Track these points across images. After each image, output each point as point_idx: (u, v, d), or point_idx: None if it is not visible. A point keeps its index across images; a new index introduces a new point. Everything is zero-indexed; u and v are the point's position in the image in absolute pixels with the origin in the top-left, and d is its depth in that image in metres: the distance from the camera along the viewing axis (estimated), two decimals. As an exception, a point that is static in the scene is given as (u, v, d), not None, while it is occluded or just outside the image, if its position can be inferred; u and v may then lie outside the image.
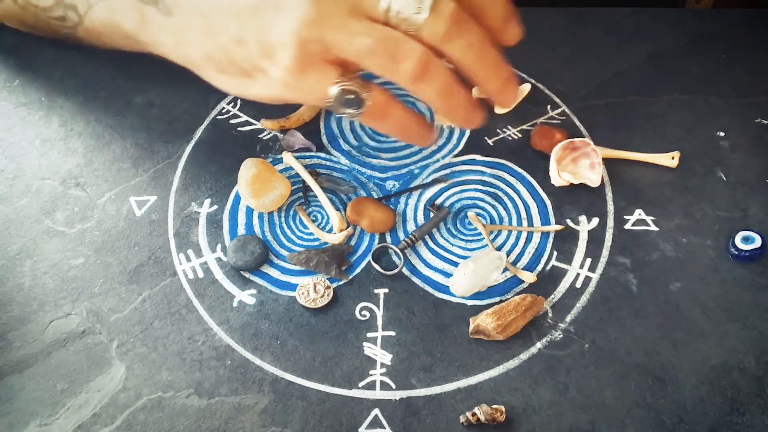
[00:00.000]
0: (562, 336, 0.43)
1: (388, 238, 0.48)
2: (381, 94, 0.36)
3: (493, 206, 0.50)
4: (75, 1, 0.48)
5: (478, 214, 0.49)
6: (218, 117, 0.55)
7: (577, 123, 0.55)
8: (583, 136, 0.54)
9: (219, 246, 0.48)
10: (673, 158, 0.52)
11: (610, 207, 0.50)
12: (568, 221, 0.49)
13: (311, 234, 0.48)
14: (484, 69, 0.35)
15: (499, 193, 0.51)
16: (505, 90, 0.37)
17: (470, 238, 0.48)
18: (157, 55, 0.45)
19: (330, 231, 0.48)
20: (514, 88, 0.37)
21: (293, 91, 0.36)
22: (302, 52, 0.34)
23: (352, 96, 0.35)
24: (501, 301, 0.45)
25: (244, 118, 0.55)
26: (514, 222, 0.49)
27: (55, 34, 0.54)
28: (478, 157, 0.53)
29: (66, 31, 0.52)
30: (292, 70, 0.35)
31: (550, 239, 0.48)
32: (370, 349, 0.43)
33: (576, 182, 0.50)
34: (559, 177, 0.50)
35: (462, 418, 0.39)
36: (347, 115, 0.36)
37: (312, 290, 0.45)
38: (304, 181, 0.51)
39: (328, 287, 0.45)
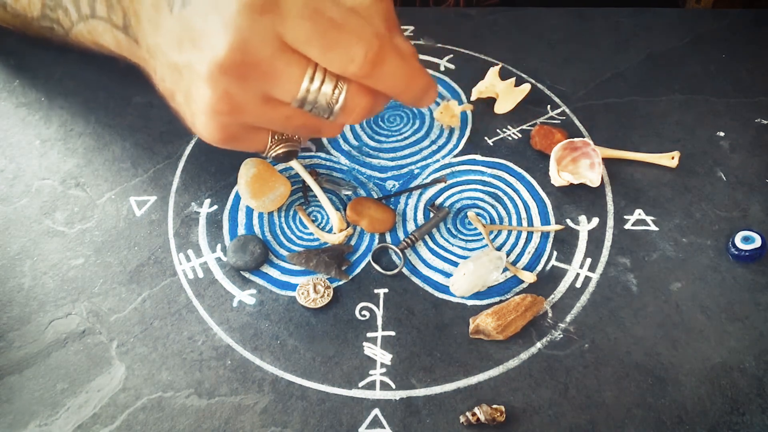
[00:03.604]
0: (562, 336, 0.43)
1: (388, 238, 0.48)
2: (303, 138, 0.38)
3: (493, 206, 0.50)
4: (59, 17, 0.48)
5: (478, 214, 0.49)
6: (218, 117, 0.55)
7: (577, 123, 0.55)
8: (583, 136, 0.54)
9: (219, 246, 0.48)
10: (673, 158, 0.52)
11: (610, 207, 0.50)
12: (568, 221, 0.49)
13: (311, 234, 0.48)
14: (404, 98, 0.36)
15: (499, 193, 0.51)
16: (423, 99, 0.36)
17: (470, 238, 0.48)
18: None
19: (330, 231, 0.48)
20: (433, 95, 0.36)
21: (230, 148, 0.36)
22: (224, 132, 0.34)
23: (288, 154, 0.37)
24: (501, 301, 0.45)
25: (244, 118, 0.55)
26: (514, 222, 0.49)
27: (47, 39, 0.54)
28: (478, 157, 0.53)
29: (56, 39, 0.52)
30: (217, 142, 0.34)
31: (550, 239, 0.48)
32: (370, 349, 0.43)
33: (576, 182, 0.50)
34: (559, 177, 0.50)
35: (462, 418, 0.39)
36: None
37: (312, 290, 0.45)
38: (304, 181, 0.51)
39: (328, 287, 0.45)
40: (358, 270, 0.47)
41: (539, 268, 0.47)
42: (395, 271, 0.46)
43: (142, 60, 0.39)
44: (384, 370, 0.42)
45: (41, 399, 0.41)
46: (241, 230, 0.49)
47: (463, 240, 0.48)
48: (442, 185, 0.51)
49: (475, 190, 0.51)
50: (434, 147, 0.54)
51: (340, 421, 0.40)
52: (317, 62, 0.31)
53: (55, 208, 0.50)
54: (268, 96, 0.32)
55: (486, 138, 0.54)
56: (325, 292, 0.45)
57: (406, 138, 0.54)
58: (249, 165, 0.49)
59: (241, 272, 0.46)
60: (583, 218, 0.49)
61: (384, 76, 0.31)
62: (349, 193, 0.50)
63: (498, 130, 0.55)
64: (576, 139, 0.51)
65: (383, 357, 0.42)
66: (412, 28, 0.62)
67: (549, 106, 0.56)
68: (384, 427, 0.40)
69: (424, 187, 0.51)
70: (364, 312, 0.45)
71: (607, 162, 0.52)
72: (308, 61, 0.31)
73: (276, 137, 0.36)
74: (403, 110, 0.56)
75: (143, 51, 0.38)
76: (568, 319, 0.44)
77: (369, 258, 0.47)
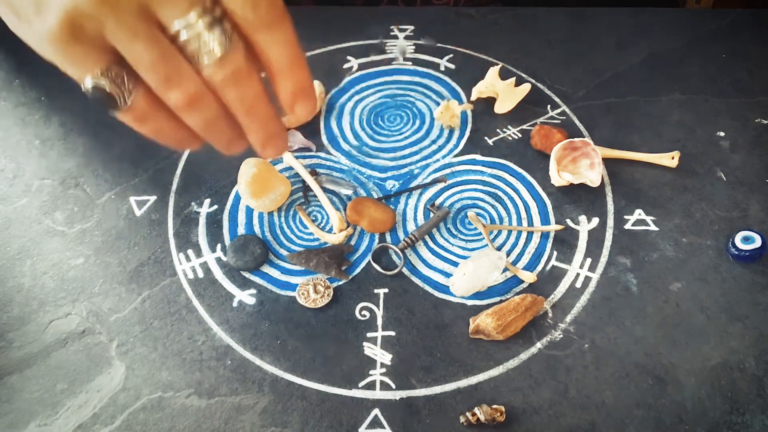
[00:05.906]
0: (562, 336, 0.43)
1: (388, 238, 0.48)
2: (144, 99, 0.33)
3: (493, 206, 0.50)
4: None
5: (478, 214, 0.49)
6: (218, 117, 0.55)
7: (577, 123, 0.55)
8: (583, 136, 0.54)
9: (219, 246, 0.48)
10: (673, 158, 0.52)
11: (610, 207, 0.50)
12: (568, 221, 0.49)
13: (311, 234, 0.48)
14: (251, 124, 0.34)
15: (499, 193, 0.51)
16: (267, 146, 0.35)
17: (470, 238, 0.48)
18: None
19: (330, 231, 0.48)
20: (277, 144, 0.35)
21: (54, 57, 0.32)
22: (71, 24, 0.30)
23: (107, 97, 0.32)
24: (501, 301, 0.45)
25: (244, 118, 0.55)
26: (514, 222, 0.49)
27: None
28: (478, 157, 0.53)
29: None
30: (54, 36, 0.31)
31: (550, 239, 0.48)
32: (370, 349, 0.43)
33: (576, 182, 0.50)
34: (559, 177, 0.50)
35: (462, 419, 0.39)
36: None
37: (312, 290, 0.45)
38: (304, 181, 0.51)
39: (328, 287, 0.45)
40: (358, 270, 0.47)
41: (539, 268, 0.47)
42: (395, 271, 0.46)
43: None
44: (384, 370, 0.42)
45: (41, 399, 0.41)
46: (241, 230, 0.49)
47: (463, 240, 0.48)
48: (442, 185, 0.51)
49: (475, 190, 0.51)
50: (434, 147, 0.54)
51: (340, 421, 0.40)
52: None
53: (55, 207, 0.50)
54: (148, 10, 0.30)
55: (486, 138, 0.54)
56: (325, 292, 0.45)
57: (406, 138, 0.54)
58: (249, 165, 0.49)
59: (241, 272, 0.46)
60: (583, 218, 0.49)
61: (279, 35, 0.31)
62: (349, 193, 0.50)
63: (498, 130, 0.55)
64: (576, 139, 0.51)
65: (383, 357, 0.42)
66: (412, 27, 0.62)
67: (549, 106, 0.56)
68: (384, 427, 0.40)
69: (424, 187, 0.51)
70: (364, 312, 0.45)
71: (607, 162, 0.52)
72: None
73: (112, 73, 0.32)
74: (403, 110, 0.56)
75: None
76: (568, 319, 0.44)
77: (369, 258, 0.47)
